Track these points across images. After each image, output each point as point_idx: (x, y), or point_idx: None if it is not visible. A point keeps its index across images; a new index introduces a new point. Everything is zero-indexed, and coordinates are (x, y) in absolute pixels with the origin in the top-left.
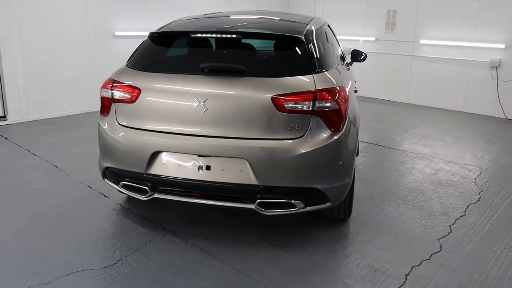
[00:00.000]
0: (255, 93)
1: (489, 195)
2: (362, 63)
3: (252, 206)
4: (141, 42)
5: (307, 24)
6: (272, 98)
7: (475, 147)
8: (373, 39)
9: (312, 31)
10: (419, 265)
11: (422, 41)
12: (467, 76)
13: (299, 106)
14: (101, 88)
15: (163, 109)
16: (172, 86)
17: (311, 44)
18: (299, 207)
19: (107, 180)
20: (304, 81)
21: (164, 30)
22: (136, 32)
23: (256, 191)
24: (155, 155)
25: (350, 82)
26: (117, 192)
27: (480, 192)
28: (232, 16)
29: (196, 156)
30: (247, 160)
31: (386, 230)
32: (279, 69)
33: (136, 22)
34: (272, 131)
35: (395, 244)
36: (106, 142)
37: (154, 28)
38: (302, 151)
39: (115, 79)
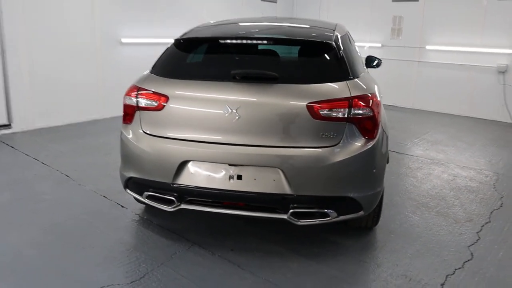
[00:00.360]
0: (289, 100)
1: (510, 201)
2: (368, 69)
3: (285, 216)
4: (166, 48)
5: (334, 30)
6: (307, 106)
7: (488, 153)
8: (379, 45)
9: (340, 37)
10: (453, 274)
11: (428, 47)
12: (473, 82)
13: (334, 114)
14: (124, 96)
15: (193, 117)
16: (202, 93)
17: (341, 50)
18: (332, 216)
19: (129, 191)
20: (339, 88)
21: (191, 36)
22: (143, 39)
23: (289, 200)
24: (183, 164)
25: (377, 87)
26: (134, 202)
27: (501, 198)
28: (255, 22)
29: (227, 165)
30: (280, 169)
31: (414, 238)
32: (312, 75)
33: (142, 29)
34: (306, 139)
35: (425, 252)
36: (130, 151)
37: (161, 35)
38: (338, 159)
39: (140, 86)
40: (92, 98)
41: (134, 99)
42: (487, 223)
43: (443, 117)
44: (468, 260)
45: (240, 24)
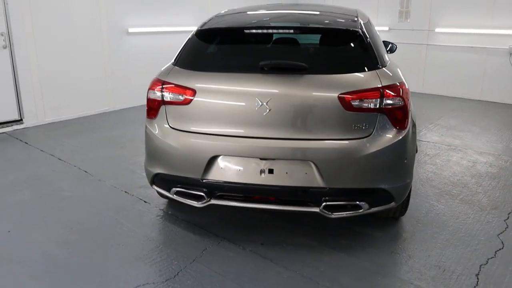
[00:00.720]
0: (320, 91)
1: None
2: None
3: (317, 210)
4: (187, 39)
5: (357, 17)
6: (338, 97)
7: (504, 137)
8: (387, 28)
9: (364, 24)
10: (486, 263)
11: (437, 30)
12: (484, 64)
13: (366, 105)
14: (148, 90)
15: (221, 111)
16: (230, 86)
17: (369, 38)
18: (364, 208)
19: (155, 187)
20: (369, 78)
21: (214, 27)
22: (149, 28)
23: (322, 193)
24: (213, 159)
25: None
26: (156, 197)
27: None
28: (276, 10)
29: (258, 159)
30: (313, 162)
31: (442, 227)
32: (341, 65)
33: (149, 18)
34: (339, 131)
35: (456, 242)
36: (156, 147)
37: (168, 23)
38: (370, 150)
39: (165, 79)
40: (101, 90)
41: (159, 93)
42: None
43: (453, 101)
44: (500, 249)
45: (261, 12)
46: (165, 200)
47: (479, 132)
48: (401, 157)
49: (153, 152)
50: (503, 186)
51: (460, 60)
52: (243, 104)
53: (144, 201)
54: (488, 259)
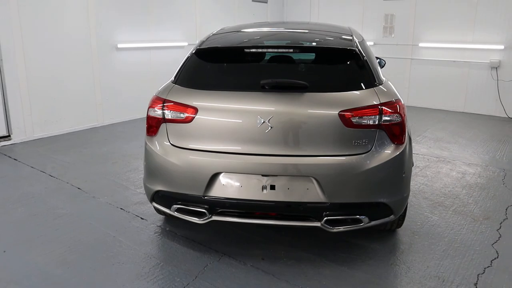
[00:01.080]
0: (320, 109)
1: None
2: None
3: (318, 224)
4: (186, 58)
5: (352, 36)
6: (339, 114)
7: (490, 148)
8: (372, 43)
9: (359, 42)
10: (484, 272)
11: (421, 44)
12: (467, 77)
13: (366, 121)
14: (148, 108)
15: (224, 129)
16: (232, 104)
17: (365, 57)
18: (364, 222)
19: (155, 204)
20: (368, 96)
21: (213, 46)
22: (138, 43)
23: (323, 208)
24: (214, 176)
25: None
26: (153, 214)
27: None
28: (272, 29)
29: (260, 176)
30: (314, 178)
31: (438, 238)
32: (340, 83)
33: (137, 34)
34: (339, 147)
35: (452, 252)
36: (157, 164)
37: (156, 39)
38: (370, 166)
39: (166, 98)
40: (90, 105)
41: (160, 111)
42: (504, 220)
43: (438, 113)
44: (495, 258)
45: (258, 31)
46: (162, 217)
47: (466, 144)
48: (399, 171)
49: (154, 169)
50: (493, 196)
51: (444, 74)
52: (245, 121)
53: (141, 218)
54: (484, 268)
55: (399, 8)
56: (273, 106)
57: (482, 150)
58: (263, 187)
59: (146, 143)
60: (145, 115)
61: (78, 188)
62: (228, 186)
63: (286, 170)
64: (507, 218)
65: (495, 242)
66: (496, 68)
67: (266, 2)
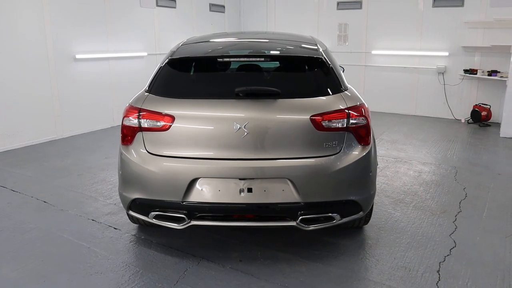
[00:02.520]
0: (293, 114)
1: (472, 190)
2: None
3: (294, 223)
4: (159, 67)
5: (316, 45)
6: (310, 118)
7: (441, 148)
8: None
9: (324, 51)
10: (444, 261)
11: (373, 52)
12: (417, 83)
13: (335, 124)
14: (124, 117)
15: (201, 136)
16: (208, 112)
17: (331, 64)
18: (337, 219)
19: (132, 212)
20: (336, 100)
21: (187, 56)
22: (97, 54)
23: (298, 208)
24: (193, 182)
25: None
26: (125, 223)
27: (464, 189)
28: (240, 39)
29: (237, 179)
30: (289, 179)
31: (401, 232)
32: (310, 89)
33: (96, 44)
34: (312, 150)
35: (415, 244)
36: (133, 172)
37: (115, 49)
38: (341, 166)
39: (141, 107)
40: (48, 117)
41: (136, 120)
42: (459, 212)
43: (392, 117)
44: (453, 247)
45: (228, 40)
46: (135, 226)
47: (419, 145)
48: (366, 170)
49: (130, 178)
50: (447, 191)
51: (395, 79)
52: (222, 128)
53: (114, 228)
54: (445, 256)
55: (352, 17)
56: (248, 112)
57: (435, 150)
58: (241, 190)
59: (121, 153)
60: (107, 126)
61: (44, 202)
62: (207, 191)
63: (262, 173)
64: (461, 211)
65: (452, 233)
66: (443, 73)
67: (224, 12)
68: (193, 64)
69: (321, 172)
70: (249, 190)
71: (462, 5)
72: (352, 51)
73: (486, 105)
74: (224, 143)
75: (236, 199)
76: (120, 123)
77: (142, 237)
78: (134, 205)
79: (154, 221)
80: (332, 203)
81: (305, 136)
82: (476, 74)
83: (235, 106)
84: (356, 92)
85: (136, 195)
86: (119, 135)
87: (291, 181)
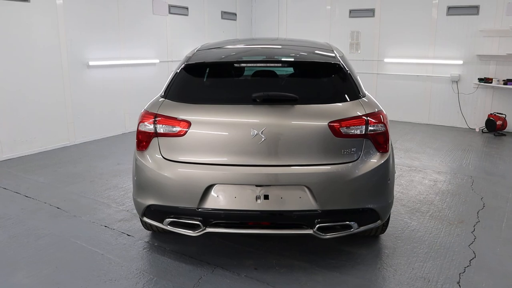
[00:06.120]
0: (311, 120)
1: (490, 200)
2: None
3: (311, 231)
4: (174, 73)
5: (333, 51)
6: (329, 125)
7: (456, 157)
8: None
9: (341, 58)
10: (464, 272)
11: (386, 60)
12: (430, 91)
13: (353, 131)
14: (139, 123)
15: (217, 141)
16: (225, 118)
17: (348, 70)
18: (354, 228)
19: (146, 219)
20: (354, 107)
21: (204, 61)
22: (110, 61)
23: (315, 216)
24: (208, 188)
25: None
26: (139, 230)
27: (481, 199)
28: (256, 44)
29: (254, 186)
30: (306, 187)
31: (419, 242)
32: (328, 95)
33: (109, 51)
34: (330, 156)
35: (434, 254)
36: (149, 178)
37: (128, 56)
38: (359, 173)
39: (157, 112)
40: (61, 124)
41: (151, 126)
42: (477, 222)
43: (405, 125)
44: (473, 258)
45: (243, 46)
46: (149, 233)
47: (433, 153)
48: (385, 178)
49: (145, 184)
50: (464, 201)
51: (408, 88)
52: (239, 134)
53: (127, 235)
54: (465, 267)
55: (364, 25)
56: (265, 118)
57: (449, 159)
58: (257, 197)
59: (136, 158)
60: (119, 133)
61: (58, 208)
62: (222, 198)
63: (279, 180)
64: (479, 221)
65: (471, 244)
66: (457, 82)
67: (235, 20)
68: (209, 70)
69: (339, 179)
70: (266, 197)
71: (477, 13)
72: (364, 59)
73: (502, 114)
74: (241, 149)
75: (252, 206)
76: (134, 129)
77: (156, 244)
78: (149, 211)
79: (169, 227)
80: (350, 211)
81: (323, 143)
82: (491, 82)
83: (252, 112)
84: (374, 99)
85: (151, 201)
86: (131, 141)
87: (309, 189)
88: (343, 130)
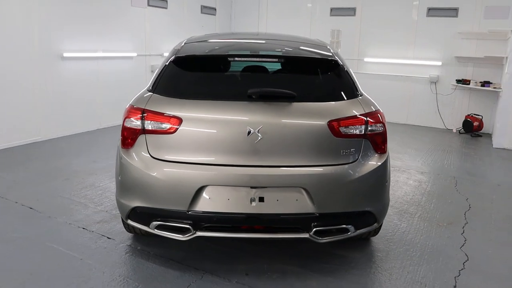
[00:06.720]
0: (310, 119)
1: (475, 201)
2: None
3: (307, 235)
4: (163, 66)
5: (327, 47)
6: (328, 124)
7: (437, 157)
8: None
9: (336, 54)
10: (459, 275)
11: (366, 59)
12: (409, 91)
13: (353, 131)
14: (125, 118)
15: (211, 140)
16: (220, 114)
17: (346, 67)
18: (351, 231)
19: (131, 222)
20: (353, 106)
21: (194, 54)
22: (86, 53)
23: (312, 219)
24: (200, 190)
25: None
26: (120, 232)
27: (467, 199)
28: (249, 39)
29: (248, 188)
30: (304, 189)
31: (411, 244)
32: (326, 93)
33: (85, 43)
34: (328, 157)
35: (427, 257)
36: (135, 178)
37: (104, 49)
38: (359, 174)
39: (145, 108)
40: (31, 118)
41: (139, 122)
42: (466, 224)
43: None
44: (466, 261)
45: (236, 40)
46: (130, 235)
47: (415, 154)
48: (383, 180)
49: (131, 184)
50: (450, 202)
51: (387, 87)
52: (234, 132)
53: (108, 237)
54: (459, 271)
55: (345, 24)
56: (262, 116)
57: (431, 160)
58: (252, 200)
59: (121, 156)
60: (94, 128)
61: (30, 208)
62: (215, 200)
63: (275, 181)
64: (467, 223)
65: (463, 246)
66: (435, 83)
67: (215, 15)
68: (202, 63)
69: (338, 181)
70: (261, 199)
71: (457, 15)
72: (344, 58)
73: (478, 115)
74: (235, 148)
75: (246, 209)
76: (110, 125)
77: (139, 247)
78: (134, 214)
79: (156, 231)
80: (348, 214)
81: (322, 143)
82: (469, 84)
83: (248, 109)
84: (371, 98)
85: (136, 203)
86: (107, 137)
87: (306, 191)
88: (343, 129)
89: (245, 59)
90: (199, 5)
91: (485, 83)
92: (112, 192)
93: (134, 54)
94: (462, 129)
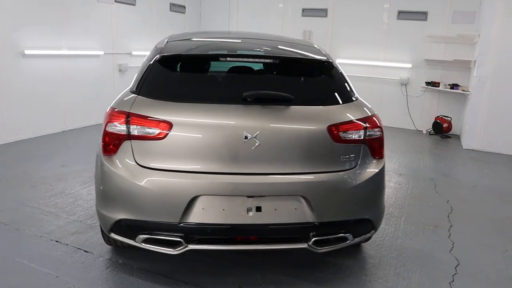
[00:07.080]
0: (309, 123)
1: (456, 204)
2: None
3: (305, 245)
4: (147, 65)
5: (319, 48)
6: (327, 129)
7: (412, 159)
8: None
9: (329, 55)
10: (453, 280)
11: (338, 60)
12: (380, 93)
13: (353, 136)
14: (107, 123)
15: (204, 146)
16: (214, 118)
17: (340, 69)
18: (349, 239)
19: (114, 235)
20: (352, 109)
21: (185, 54)
22: (49, 50)
23: (311, 228)
24: (193, 200)
25: None
26: (99, 244)
27: (448, 201)
28: (238, 38)
29: (245, 197)
30: (303, 197)
31: (401, 249)
32: (323, 96)
33: (48, 40)
34: (328, 163)
35: (420, 263)
36: (119, 188)
37: (70, 46)
38: (359, 181)
39: (130, 111)
40: None
41: (123, 126)
42: (451, 227)
43: None
44: (458, 265)
45: (227, 39)
46: (109, 247)
47: (390, 155)
48: (381, 186)
49: (114, 194)
50: (433, 205)
51: (359, 89)
52: (229, 137)
53: (85, 251)
54: (452, 276)
55: (317, 25)
56: (259, 120)
57: (407, 161)
58: (248, 209)
59: (103, 163)
60: (58, 130)
61: None
62: (209, 210)
63: (273, 190)
64: (452, 225)
65: (451, 249)
66: (406, 84)
67: (184, 13)
68: (191, 63)
69: (339, 188)
70: (258, 209)
71: (426, 19)
72: None
73: (447, 117)
74: (231, 155)
75: (242, 220)
76: (75, 127)
77: (120, 261)
78: (118, 227)
79: (143, 245)
80: (347, 222)
81: (322, 149)
82: (438, 86)
83: (243, 113)
84: (365, 102)
85: (121, 215)
86: (74, 140)
87: (306, 199)
88: (342, 135)
89: (240, 59)
90: (168, 2)
91: (453, 86)
92: (84, 200)
93: (101, 53)
94: (432, 131)
